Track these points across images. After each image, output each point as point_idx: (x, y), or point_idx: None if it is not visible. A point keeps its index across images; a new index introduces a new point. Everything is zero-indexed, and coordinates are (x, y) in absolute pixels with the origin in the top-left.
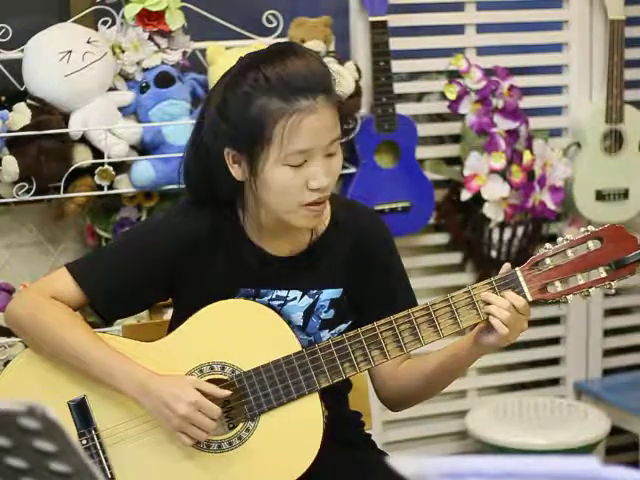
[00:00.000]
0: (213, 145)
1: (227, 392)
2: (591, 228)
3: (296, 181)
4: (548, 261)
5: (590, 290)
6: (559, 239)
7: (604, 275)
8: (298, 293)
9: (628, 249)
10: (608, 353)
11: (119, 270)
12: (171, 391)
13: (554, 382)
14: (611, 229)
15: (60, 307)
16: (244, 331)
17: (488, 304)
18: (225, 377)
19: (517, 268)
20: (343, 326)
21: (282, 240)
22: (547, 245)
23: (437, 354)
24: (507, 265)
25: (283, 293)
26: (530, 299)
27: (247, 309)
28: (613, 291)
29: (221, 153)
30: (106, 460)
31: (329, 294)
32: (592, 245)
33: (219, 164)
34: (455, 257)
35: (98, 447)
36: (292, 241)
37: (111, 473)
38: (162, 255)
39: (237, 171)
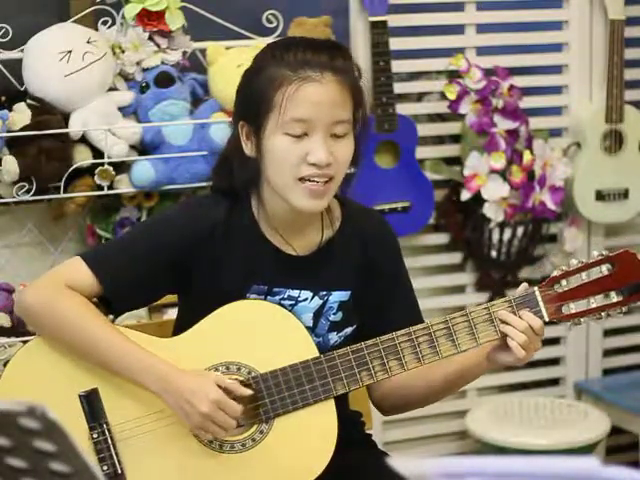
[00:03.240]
0: (233, 125)
1: (249, 391)
2: (604, 252)
3: (294, 152)
4: (564, 282)
5: (602, 314)
6: (573, 261)
7: (616, 300)
8: (309, 294)
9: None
10: (608, 353)
11: (132, 262)
12: (193, 388)
13: (554, 382)
14: (624, 255)
15: (78, 297)
16: (262, 333)
17: (505, 323)
18: (241, 378)
19: (535, 288)
20: (349, 329)
21: (294, 237)
22: (563, 267)
23: (446, 365)
24: (525, 284)
25: (295, 293)
26: (547, 319)
27: (266, 310)
28: (622, 315)
29: (238, 134)
30: (116, 455)
31: (338, 296)
32: (605, 269)
33: (236, 143)
34: (455, 257)
35: (109, 441)
36: (304, 239)
37: (121, 468)
38: (175, 250)
39: (248, 146)
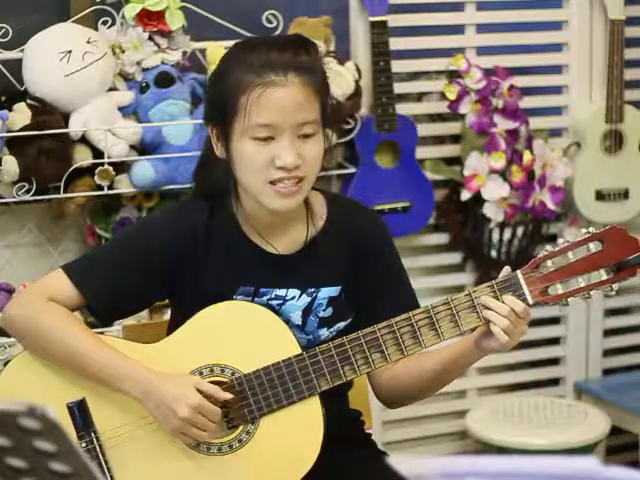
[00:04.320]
0: (204, 125)
1: (229, 395)
2: (592, 230)
3: (262, 156)
4: (549, 263)
5: (591, 292)
6: (560, 240)
7: (605, 277)
8: (297, 292)
9: (629, 251)
10: (608, 353)
11: (116, 271)
12: (173, 392)
13: (554, 382)
14: (612, 231)
15: (58, 309)
16: (244, 333)
17: (488, 309)
18: (225, 379)
19: (518, 271)
20: (342, 324)
21: (278, 237)
22: (548, 247)
23: (436, 355)
24: (507, 268)
25: (282, 292)
26: (531, 302)
27: (247, 311)
28: (614, 293)
29: (209, 132)
30: (106, 463)
31: (327, 292)
32: (593, 247)
33: (210, 147)
34: (455, 257)
35: (98, 449)
36: (287, 238)
37: (111, 476)
38: (159, 255)
39: (219, 148)
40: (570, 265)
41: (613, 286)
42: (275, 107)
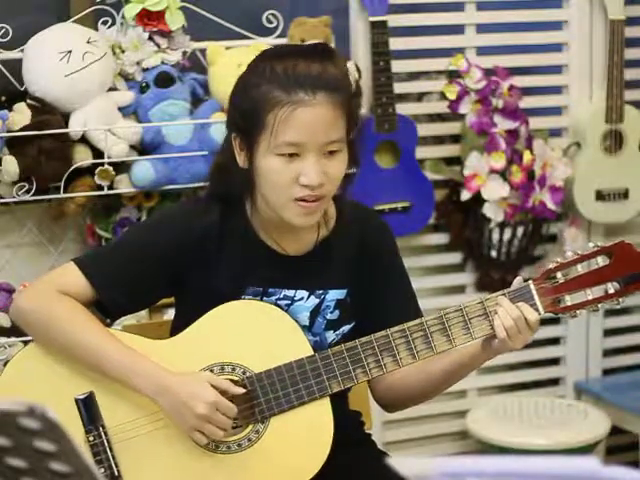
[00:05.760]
0: (227, 130)
1: (241, 389)
2: (600, 244)
3: (287, 174)
4: (559, 275)
5: (599, 305)
6: (568, 253)
7: (612, 291)
8: (305, 293)
9: (637, 266)
10: (608, 353)
11: (128, 266)
12: (188, 390)
13: (554, 382)
14: (620, 245)
15: (71, 302)
16: (256, 332)
17: (500, 307)
18: (236, 378)
19: (530, 281)
20: (347, 327)
21: (289, 239)
22: (558, 259)
23: (441, 359)
24: (519, 278)
25: (290, 293)
26: (542, 312)
27: (260, 310)
28: (619, 306)
29: (232, 142)
30: (113, 457)
31: (335, 295)
32: (601, 261)
33: (231, 151)
34: (455, 257)
35: (105, 444)
36: (299, 240)
37: (118, 471)
38: (170, 252)
39: (241, 157)
40: (578, 278)
41: (620, 299)
42: (303, 127)
